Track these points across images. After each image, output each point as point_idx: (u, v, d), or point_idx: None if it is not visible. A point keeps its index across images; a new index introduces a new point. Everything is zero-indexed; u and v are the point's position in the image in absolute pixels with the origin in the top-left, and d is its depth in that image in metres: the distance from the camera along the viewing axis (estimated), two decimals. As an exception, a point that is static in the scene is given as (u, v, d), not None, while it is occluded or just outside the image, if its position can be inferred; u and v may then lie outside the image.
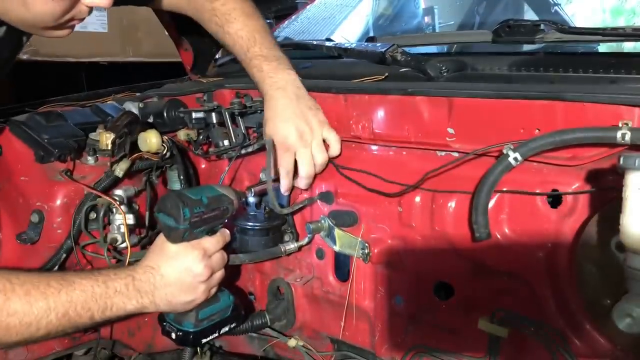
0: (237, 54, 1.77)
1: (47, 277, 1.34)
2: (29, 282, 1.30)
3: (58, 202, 1.82)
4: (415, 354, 1.64)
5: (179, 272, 1.45)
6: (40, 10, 1.34)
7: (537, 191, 1.39)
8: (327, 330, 1.81)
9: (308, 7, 2.72)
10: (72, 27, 1.46)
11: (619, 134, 1.18)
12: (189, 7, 1.87)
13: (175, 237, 1.46)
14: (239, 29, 1.74)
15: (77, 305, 1.32)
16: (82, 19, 1.44)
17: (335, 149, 1.68)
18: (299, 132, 1.62)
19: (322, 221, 1.74)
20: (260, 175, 1.84)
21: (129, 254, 1.80)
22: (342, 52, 2.02)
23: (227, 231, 1.58)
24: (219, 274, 1.55)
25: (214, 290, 1.55)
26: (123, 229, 1.79)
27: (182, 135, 1.95)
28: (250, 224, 1.76)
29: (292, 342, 1.87)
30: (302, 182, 1.71)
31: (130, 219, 1.82)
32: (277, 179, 1.72)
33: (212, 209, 1.49)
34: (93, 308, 1.34)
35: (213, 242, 1.51)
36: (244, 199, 1.68)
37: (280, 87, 1.64)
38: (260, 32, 1.74)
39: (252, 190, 1.71)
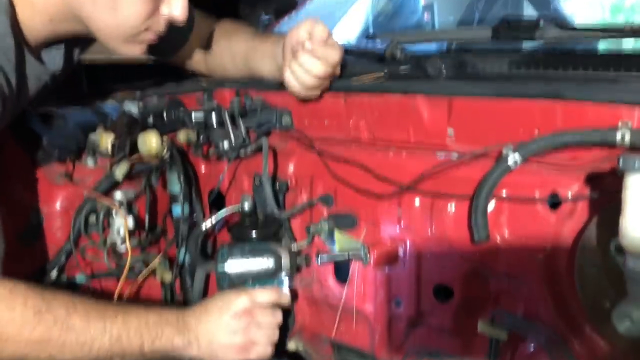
0: (240, 58, 1.82)
1: (105, 302, 1.38)
2: (89, 303, 1.32)
3: (57, 204, 1.82)
4: (415, 356, 1.64)
5: (220, 309, 1.45)
6: (127, 13, 1.39)
7: (537, 192, 1.38)
8: (326, 333, 1.81)
9: (308, 4, 2.70)
10: (147, 41, 1.50)
11: (618, 135, 1.18)
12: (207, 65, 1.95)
13: (218, 280, 1.52)
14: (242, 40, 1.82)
15: (131, 330, 1.33)
16: (158, 32, 1.49)
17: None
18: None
19: (322, 223, 1.73)
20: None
21: (129, 257, 1.80)
22: (341, 50, 2.00)
23: (286, 293, 1.57)
24: (266, 333, 1.50)
25: (259, 349, 1.49)
26: (123, 232, 1.79)
27: (181, 136, 1.95)
28: (246, 233, 1.76)
29: (291, 345, 1.87)
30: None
31: (130, 222, 1.82)
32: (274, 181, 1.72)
33: (254, 256, 1.54)
34: (144, 335, 1.34)
35: (262, 293, 1.51)
36: (301, 262, 1.65)
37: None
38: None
39: (320, 257, 1.64)
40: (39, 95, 1.57)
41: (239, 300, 1.45)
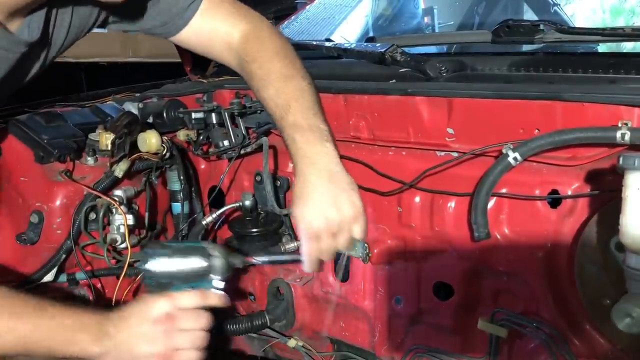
0: (273, 120, 1.52)
1: (29, 298, 1.29)
2: (6, 298, 1.26)
3: (58, 202, 1.81)
4: (415, 354, 1.64)
5: (139, 313, 1.34)
6: None
7: (537, 191, 1.39)
8: (327, 330, 1.81)
9: (307, 7, 2.71)
10: None
11: (618, 134, 1.19)
12: (233, 62, 1.64)
13: (144, 280, 1.41)
14: (274, 96, 1.48)
15: (41, 332, 1.26)
16: None
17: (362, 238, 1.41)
18: (326, 220, 1.35)
19: (322, 221, 1.73)
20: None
21: (129, 255, 1.80)
22: (341, 52, 2.01)
23: (217, 294, 1.41)
24: (189, 338, 1.36)
25: (183, 355, 1.35)
26: (123, 229, 1.79)
27: (181, 135, 1.95)
28: (247, 230, 1.76)
29: (292, 343, 1.87)
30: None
31: (130, 220, 1.82)
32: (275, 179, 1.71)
33: (182, 256, 1.40)
34: (56, 338, 1.27)
35: (185, 296, 1.37)
36: (236, 265, 1.47)
37: (313, 163, 1.37)
38: (298, 99, 1.45)
39: (259, 258, 1.53)
40: (21, 64, 1.49)
41: (158, 305, 1.33)
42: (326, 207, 1.34)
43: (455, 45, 2.21)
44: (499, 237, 1.44)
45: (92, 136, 1.84)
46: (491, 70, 1.68)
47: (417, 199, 1.57)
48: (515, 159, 1.32)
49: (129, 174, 1.83)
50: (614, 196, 1.16)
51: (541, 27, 1.67)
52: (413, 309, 1.64)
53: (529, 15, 2.53)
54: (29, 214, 1.82)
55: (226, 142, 1.84)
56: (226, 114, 1.83)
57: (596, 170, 1.30)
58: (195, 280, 1.41)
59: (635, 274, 1.14)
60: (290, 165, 1.83)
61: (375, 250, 1.65)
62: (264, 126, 1.81)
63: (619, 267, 1.21)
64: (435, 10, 2.70)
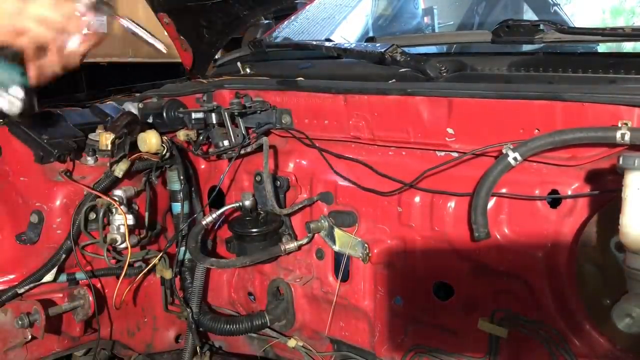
0: None
1: None
2: None
3: (57, 202, 1.81)
4: (415, 354, 1.64)
5: None
6: None
7: (537, 191, 1.39)
8: (326, 330, 1.81)
9: (307, 7, 2.71)
10: None
11: (618, 134, 1.18)
12: None
13: None
14: None
15: None
16: None
17: None
18: None
19: (322, 221, 1.74)
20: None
21: (129, 255, 1.80)
22: (341, 52, 2.01)
23: None
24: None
25: None
26: (123, 229, 1.79)
27: (181, 135, 1.95)
28: (247, 230, 1.76)
29: (291, 343, 1.87)
30: None
31: (130, 220, 1.82)
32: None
33: None
34: None
35: None
36: None
37: None
38: None
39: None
40: None
41: None
42: None
43: (455, 45, 2.20)
44: (499, 237, 1.44)
45: (92, 136, 1.84)
46: (491, 70, 1.68)
47: (417, 199, 1.57)
48: (515, 159, 1.31)
49: (129, 174, 1.84)
50: (614, 196, 1.16)
51: (541, 27, 1.66)
52: (413, 309, 1.64)
53: (529, 15, 2.53)
54: (29, 213, 1.82)
55: (226, 142, 1.84)
56: (226, 114, 1.82)
57: (596, 170, 1.30)
58: None
59: (635, 274, 1.14)
60: (290, 165, 1.84)
61: (375, 250, 1.65)
62: (264, 126, 1.81)
63: (619, 267, 1.21)
64: (435, 10, 2.70)
